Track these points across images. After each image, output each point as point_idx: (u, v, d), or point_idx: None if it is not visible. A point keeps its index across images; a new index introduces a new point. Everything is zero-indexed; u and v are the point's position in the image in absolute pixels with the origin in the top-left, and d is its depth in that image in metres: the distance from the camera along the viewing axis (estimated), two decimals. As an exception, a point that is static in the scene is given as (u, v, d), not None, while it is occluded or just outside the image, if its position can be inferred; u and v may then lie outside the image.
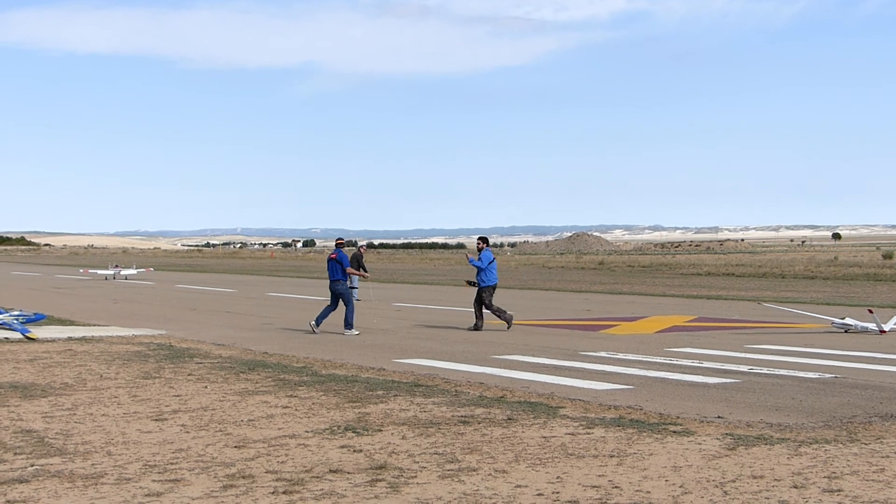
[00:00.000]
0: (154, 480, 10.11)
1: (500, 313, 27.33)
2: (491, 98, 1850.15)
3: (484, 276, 27.38)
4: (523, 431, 12.59)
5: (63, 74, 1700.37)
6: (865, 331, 25.86)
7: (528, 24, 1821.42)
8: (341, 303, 26.62)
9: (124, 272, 66.09)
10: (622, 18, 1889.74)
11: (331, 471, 10.47)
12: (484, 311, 27.55)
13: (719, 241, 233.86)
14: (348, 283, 27.40)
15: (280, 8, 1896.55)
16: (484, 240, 28.34)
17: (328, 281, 27.20)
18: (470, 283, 27.92)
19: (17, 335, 24.31)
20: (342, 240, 28.99)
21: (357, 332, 25.95)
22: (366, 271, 41.23)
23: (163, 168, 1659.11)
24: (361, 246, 43.12)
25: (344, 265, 26.63)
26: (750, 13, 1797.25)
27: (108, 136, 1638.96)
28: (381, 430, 12.67)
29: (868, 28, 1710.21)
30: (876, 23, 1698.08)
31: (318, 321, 26.62)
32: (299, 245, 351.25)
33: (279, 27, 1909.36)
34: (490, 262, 27.34)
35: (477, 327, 27.13)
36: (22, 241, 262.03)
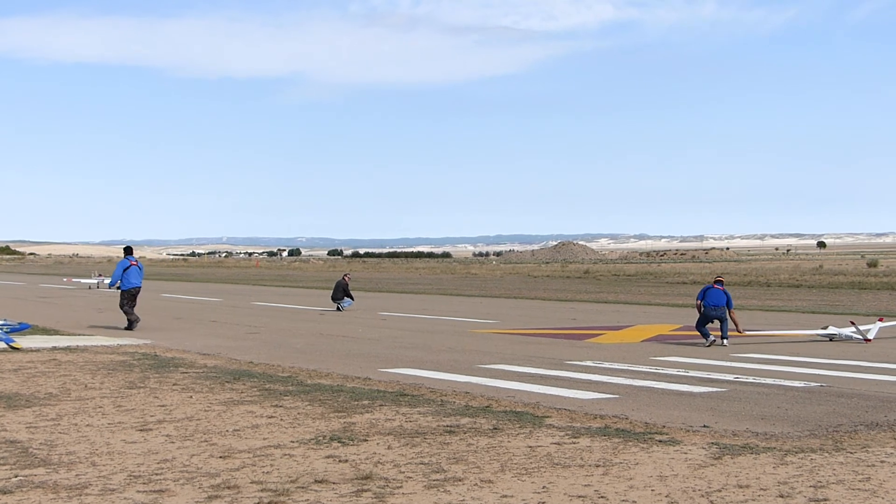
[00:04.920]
0: (139, 491, 10.07)
1: (130, 316, 30.99)
2: (478, 107, 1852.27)
3: (123, 280, 31.03)
4: (509, 441, 12.57)
5: (49, 83, 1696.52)
6: (850, 339, 25.91)
7: (517, 34, 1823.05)
8: None
9: (108, 281, 65.96)
10: (610, 27, 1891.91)
11: (316, 481, 10.45)
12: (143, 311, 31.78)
13: (704, 250, 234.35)
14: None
15: (269, 17, 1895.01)
16: (127, 249, 32.62)
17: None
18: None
19: (2, 345, 24.18)
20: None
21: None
22: (351, 298, 41.25)
23: (148, 177, 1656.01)
24: (346, 275, 43.08)
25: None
26: (739, 21, 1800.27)
27: (95, 145, 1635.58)
28: (366, 440, 12.64)
29: (855, 38, 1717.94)
30: (862, 33, 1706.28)
31: (724, 334, 25.85)
32: (285, 254, 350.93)
33: (268, 36, 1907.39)
34: (126, 270, 31.07)
35: (130, 327, 30.79)
36: (6, 250, 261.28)
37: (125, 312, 31.06)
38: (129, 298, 31.19)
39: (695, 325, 26.30)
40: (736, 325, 25.92)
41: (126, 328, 30.76)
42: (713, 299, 25.72)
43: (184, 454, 11.85)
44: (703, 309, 25.79)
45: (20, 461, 11.48)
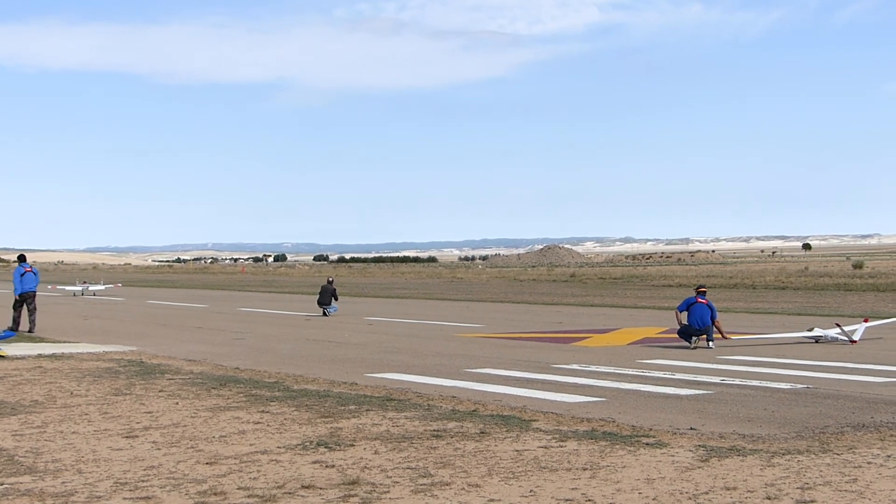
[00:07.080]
0: (125, 498, 10.04)
1: (17, 322, 32.25)
2: (464, 111, 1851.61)
3: (18, 285, 32.59)
4: (496, 445, 12.57)
5: (35, 90, 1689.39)
6: (835, 340, 25.97)
7: (503, 38, 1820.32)
8: None
9: (92, 288, 66.07)
10: (596, 31, 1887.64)
11: (303, 486, 10.43)
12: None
13: (690, 253, 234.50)
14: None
15: (254, 23, 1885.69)
16: (21, 257, 34.22)
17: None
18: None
19: (-14, 353, 24.12)
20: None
21: None
22: (336, 299, 41.16)
23: (133, 183, 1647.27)
24: (330, 279, 43.02)
25: None
26: (725, 24, 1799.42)
27: (80, 152, 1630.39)
28: (353, 445, 12.62)
29: (840, 39, 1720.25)
30: (848, 34, 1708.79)
31: None
32: (270, 260, 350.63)
33: (252, 42, 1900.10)
34: (22, 276, 32.60)
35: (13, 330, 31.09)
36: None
37: (14, 317, 32.43)
38: (22, 302, 32.72)
39: (677, 331, 26.31)
40: (721, 332, 25.96)
41: (28, 331, 31.95)
42: (698, 318, 25.55)
43: (170, 461, 11.82)
44: (687, 325, 25.72)
45: (6, 469, 11.43)
